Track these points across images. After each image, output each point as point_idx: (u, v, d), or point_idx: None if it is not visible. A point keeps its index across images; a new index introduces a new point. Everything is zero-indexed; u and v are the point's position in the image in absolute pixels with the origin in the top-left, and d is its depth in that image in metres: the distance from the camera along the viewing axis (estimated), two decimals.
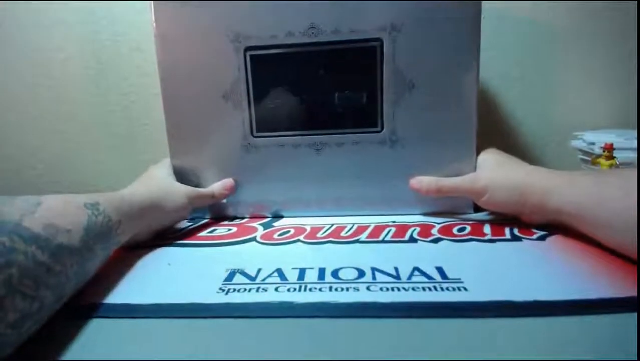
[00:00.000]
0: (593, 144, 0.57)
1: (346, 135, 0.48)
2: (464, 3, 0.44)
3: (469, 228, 0.43)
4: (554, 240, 0.39)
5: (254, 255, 0.39)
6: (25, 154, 0.75)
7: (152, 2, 0.46)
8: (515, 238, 0.40)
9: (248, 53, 0.46)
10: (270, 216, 0.51)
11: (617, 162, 0.50)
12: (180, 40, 0.47)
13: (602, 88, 0.67)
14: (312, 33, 0.45)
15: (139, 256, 0.40)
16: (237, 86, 0.47)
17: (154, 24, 0.46)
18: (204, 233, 0.46)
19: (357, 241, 0.41)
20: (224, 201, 0.50)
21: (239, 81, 0.47)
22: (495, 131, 0.68)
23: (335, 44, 0.45)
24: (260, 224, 0.48)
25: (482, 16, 0.44)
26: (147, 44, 0.66)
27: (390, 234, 0.43)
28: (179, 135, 0.49)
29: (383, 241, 0.41)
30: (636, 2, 0.62)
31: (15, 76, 0.71)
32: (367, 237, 0.42)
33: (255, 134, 0.48)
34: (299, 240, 0.42)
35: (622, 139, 0.54)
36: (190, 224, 0.50)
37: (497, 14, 0.64)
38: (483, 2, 0.44)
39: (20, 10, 0.69)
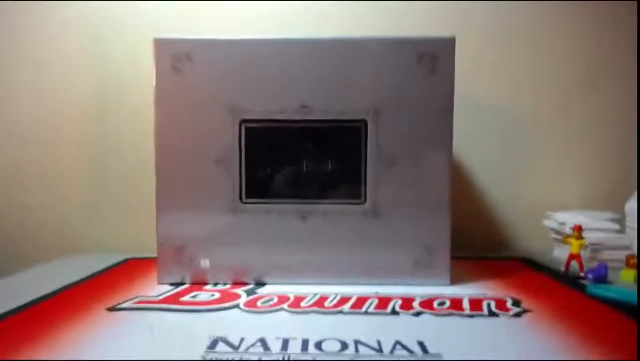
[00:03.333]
0: (564, 224, 0.60)
1: (331, 205, 0.50)
2: (436, 87, 0.49)
3: (448, 303, 0.44)
4: (530, 317, 0.40)
5: (237, 323, 0.39)
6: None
7: (155, 69, 0.49)
8: (492, 314, 0.41)
9: (243, 125, 0.49)
10: (252, 282, 0.51)
11: (587, 243, 0.53)
12: (179, 108, 0.50)
13: (573, 171, 0.72)
14: (303, 111, 0.49)
15: (121, 320, 0.39)
16: (230, 153, 0.50)
17: (155, 90, 0.49)
18: (186, 298, 0.46)
19: (340, 311, 0.42)
20: (207, 266, 0.50)
21: (232, 149, 0.50)
22: (471, 207, 0.71)
23: (323, 122, 0.49)
24: (244, 290, 0.48)
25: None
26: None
27: (373, 305, 0.43)
28: (168, 194, 0.50)
29: (366, 313, 0.42)
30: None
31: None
32: (350, 307, 0.43)
33: (244, 199, 0.50)
34: (282, 308, 0.43)
35: (591, 220, 0.58)
36: (172, 288, 0.49)
37: (475, 103, 0.70)
38: (457, 90, 0.49)
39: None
